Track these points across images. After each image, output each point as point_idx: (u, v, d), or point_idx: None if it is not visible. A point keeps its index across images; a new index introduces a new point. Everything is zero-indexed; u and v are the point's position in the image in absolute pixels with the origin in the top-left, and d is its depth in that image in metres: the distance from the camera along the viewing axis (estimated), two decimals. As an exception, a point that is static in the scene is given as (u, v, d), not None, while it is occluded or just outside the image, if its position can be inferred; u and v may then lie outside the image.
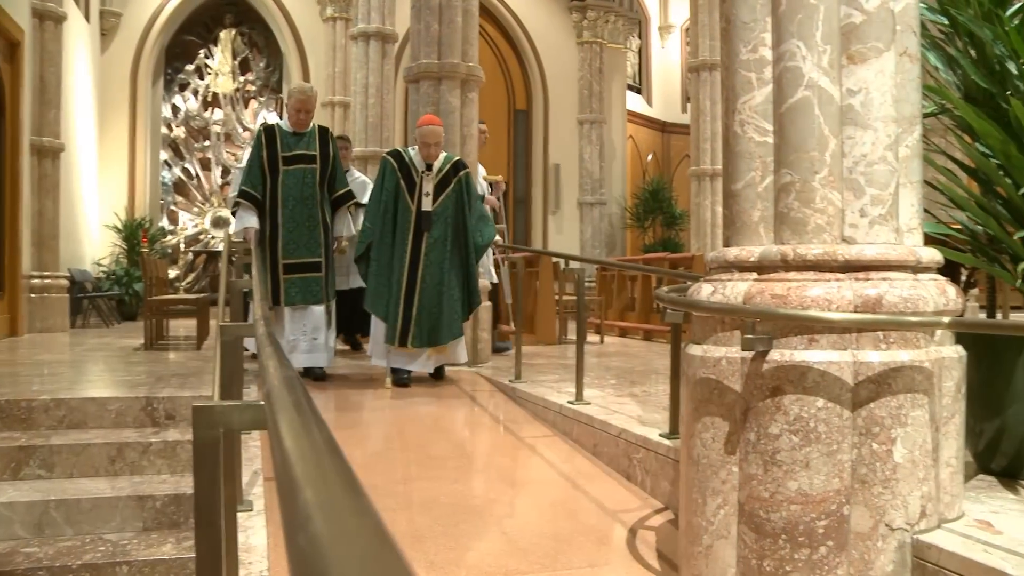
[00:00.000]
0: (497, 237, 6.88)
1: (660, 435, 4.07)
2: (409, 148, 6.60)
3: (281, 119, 6.84)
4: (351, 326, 8.36)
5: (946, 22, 3.48)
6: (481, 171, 8.26)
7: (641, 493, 4.07)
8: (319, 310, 6.48)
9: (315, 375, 6.55)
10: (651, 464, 4.05)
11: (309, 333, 6.48)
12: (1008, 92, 3.31)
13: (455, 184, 6.42)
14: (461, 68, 7.69)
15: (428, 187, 6.35)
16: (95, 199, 14.01)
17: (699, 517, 2.75)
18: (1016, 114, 3.06)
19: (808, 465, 2.51)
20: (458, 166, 6.50)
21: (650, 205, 18.23)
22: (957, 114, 3.41)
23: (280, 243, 6.40)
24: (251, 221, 6.37)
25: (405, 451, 5.06)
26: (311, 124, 6.63)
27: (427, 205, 6.33)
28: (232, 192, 6.73)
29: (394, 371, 6.42)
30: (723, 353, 2.71)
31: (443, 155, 6.51)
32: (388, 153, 6.62)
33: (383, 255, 6.31)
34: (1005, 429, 3.19)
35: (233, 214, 6.55)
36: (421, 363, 6.41)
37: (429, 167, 6.39)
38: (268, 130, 6.57)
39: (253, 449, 4.32)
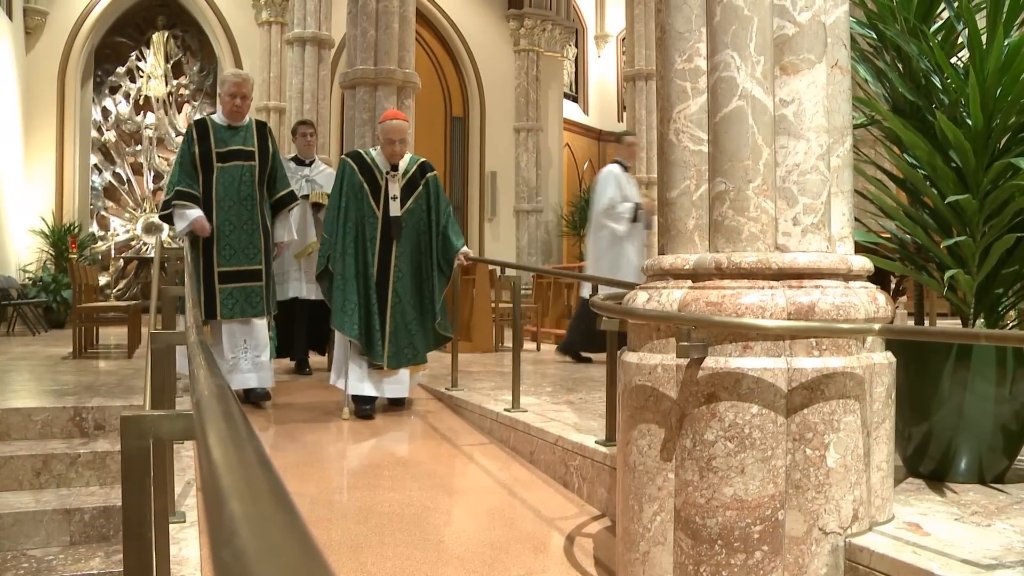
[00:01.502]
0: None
1: (597, 442, 4.08)
2: (370, 149, 5.94)
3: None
4: (316, 340, 7.54)
5: (875, 36, 3.56)
6: (622, 176, 7.81)
7: (578, 500, 4.07)
8: (261, 324, 5.84)
9: (257, 395, 5.94)
10: (588, 471, 4.06)
11: (251, 350, 5.79)
12: (934, 105, 3.40)
13: (423, 187, 5.80)
14: (398, 74, 7.67)
15: (395, 190, 5.68)
16: (20, 203, 13.64)
17: (636, 524, 2.76)
18: (941, 127, 3.14)
19: (743, 471, 2.53)
20: (425, 167, 5.87)
21: (586, 213, 18.28)
22: (886, 126, 3.48)
23: (216, 248, 5.72)
24: (196, 212, 5.66)
25: (341, 459, 5.01)
26: (247, 117, 5.99)
27: (395, 210, 5.67)
28: (165, 195, 6.08)
29: (356, 400, 5.68)
30: (659, 360, 2.72)
31: (408, 156, 5.87)
32: (347, 154, 5.94)
33: (346, 267, 5.57)
34: (932, 433, 3.26)
35: (165, 219, 5.90)
36: (399, 388, 5.76)
37: (395, 167, 5.74)
38: (200, 124, 5.90)
39: (187, 459, 4.23)
